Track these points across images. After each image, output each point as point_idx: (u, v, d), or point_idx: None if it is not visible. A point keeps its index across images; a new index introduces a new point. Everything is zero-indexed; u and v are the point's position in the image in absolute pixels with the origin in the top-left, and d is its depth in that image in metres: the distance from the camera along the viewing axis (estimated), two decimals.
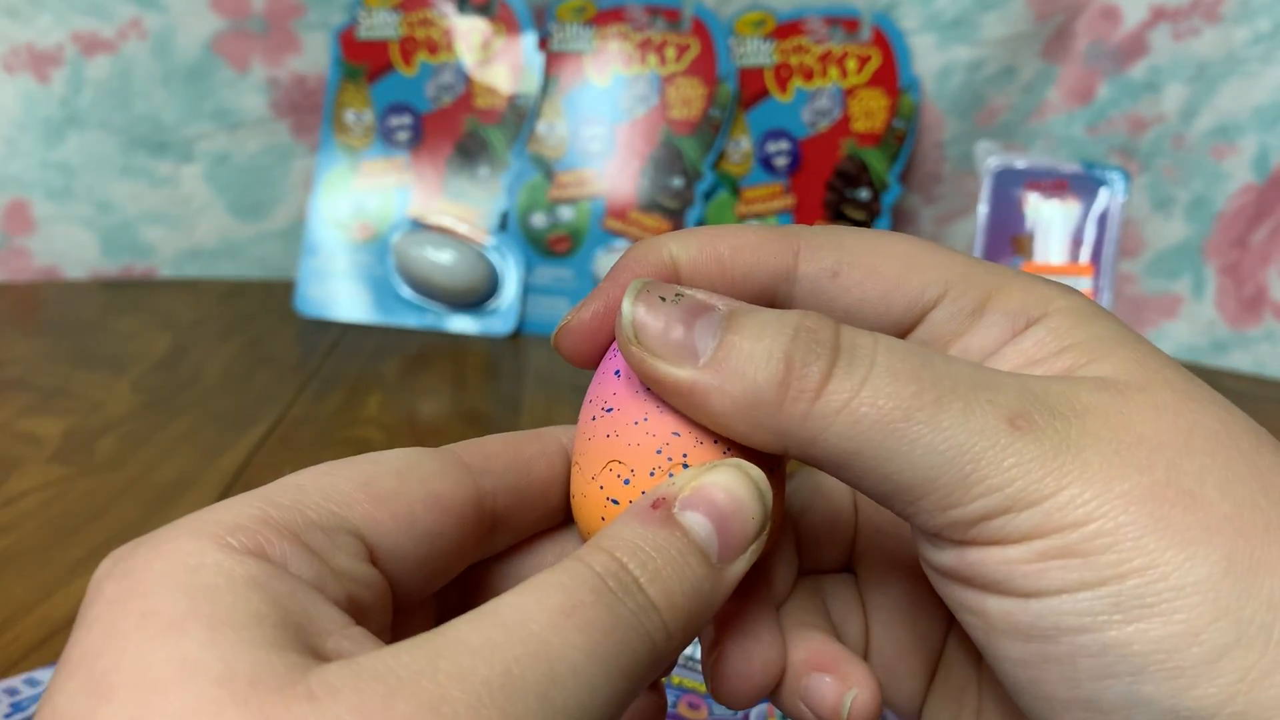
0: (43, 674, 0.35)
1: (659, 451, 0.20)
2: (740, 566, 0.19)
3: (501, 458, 0.21)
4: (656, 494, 0.19)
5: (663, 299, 0.19)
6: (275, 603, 0.16)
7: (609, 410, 0.21)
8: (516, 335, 0.74)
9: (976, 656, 0.23)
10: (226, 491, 0.49)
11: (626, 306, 0.19)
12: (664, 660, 0.18)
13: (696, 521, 0.19)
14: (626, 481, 0.20)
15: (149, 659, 0.15)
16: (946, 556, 0.19)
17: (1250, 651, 0.16)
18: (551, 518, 0.23)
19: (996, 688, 0.22)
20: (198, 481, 0.50)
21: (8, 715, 0.33)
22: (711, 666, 0.22)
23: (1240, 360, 0.75)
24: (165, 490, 0.48)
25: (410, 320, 0.75)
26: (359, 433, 0.57)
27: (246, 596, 0.16)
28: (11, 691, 0.34)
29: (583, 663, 0.16)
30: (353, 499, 0.18)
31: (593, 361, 0.22)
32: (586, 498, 0.21)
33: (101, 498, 0.48)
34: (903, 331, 0.21)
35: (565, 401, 0.62)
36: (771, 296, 0.22)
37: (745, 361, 0.18)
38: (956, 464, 0.18)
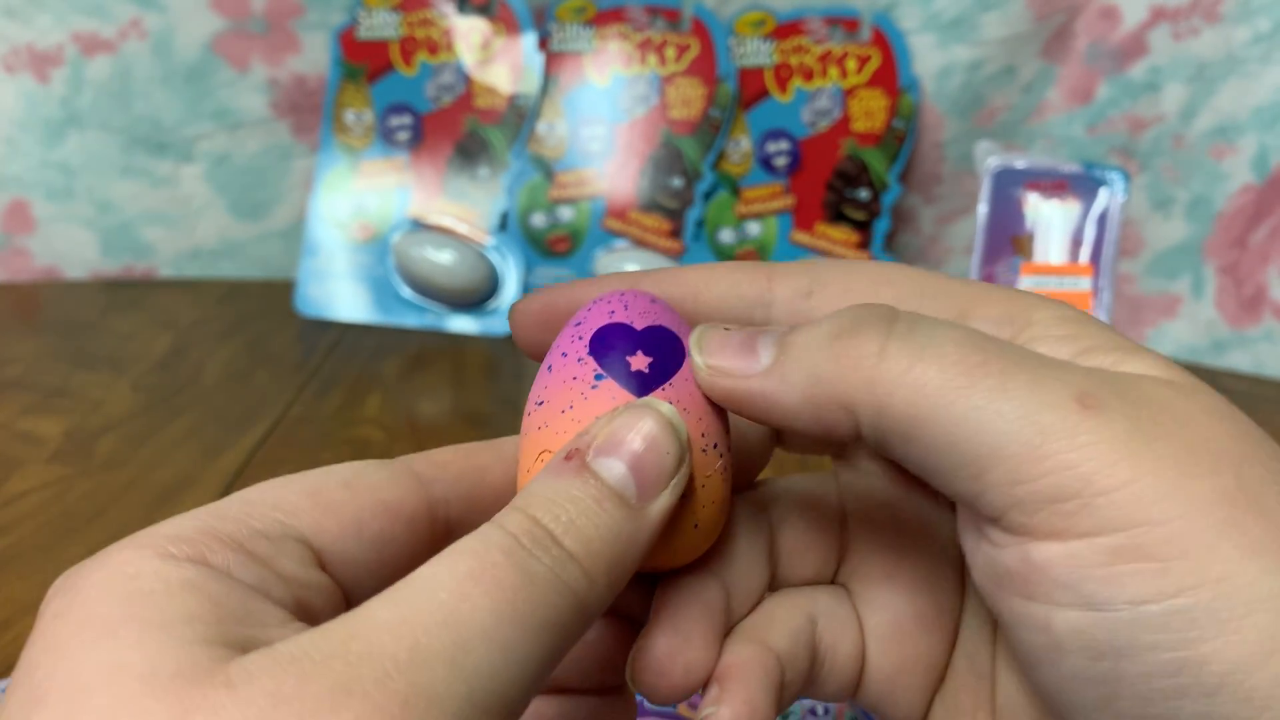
0: None
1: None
2: (663, 503, 0.19)
3: (453, 466, 0.22)
4: (570, 446, 0.19)
5: (726, 329, 0.20)
6: (211, 603, 0.16)
7: (540, 404, 0.21)
8: None
9: (990, 678, 0.23)
10: (227, 491, 0.49)
11: (694, 343, 0.21)
12: (590, 609, 0.18)
13: (608, 465, 0.19)
14: None
15: (81, 664, 0.15)
16: (1009, 556, 0.18)
17: None
18: None
19: (1016, 712, 0.22)
20: (198, 481, 0.50)
21: None
22: (634, 657, 0.21)
23: (1240, 360, 0.75)
24: (165, 490, 0.49)
25: (410, 320, 0.75)
26: (359, 433, 0.57)
27: (181, 598, 0.16)
28: None
29: (492, 624, 0.16)
30: (300, 508, 0.19)
31: (533, 347, 0.23)
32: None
33: (101, 498, 0.48)
34: None
35: None
36: (747, 322, 0.22)
37: (802, 350, 0.19)
38: (1025, 433, 0.17)
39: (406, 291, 0.75)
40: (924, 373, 0.18)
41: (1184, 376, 0.19)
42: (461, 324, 0.74)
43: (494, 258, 0.75)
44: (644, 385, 0.20)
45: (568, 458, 0.19)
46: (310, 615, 0.18)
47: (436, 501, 0.21)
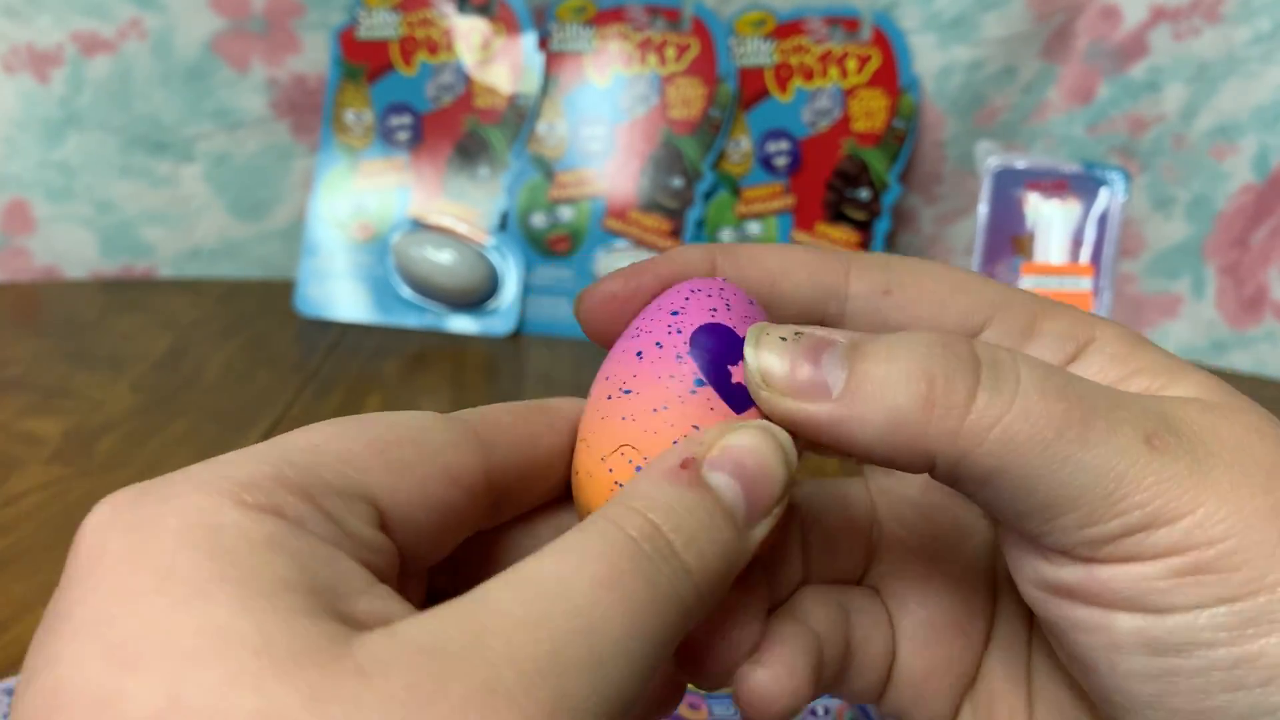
0: None
1: (676, 444, 0.19)
2: (762, 530, 0.19)
3: (511, 431, 0.21)
4: (683, 452, 0.19)
5: (783, 339, 0.19)
6: (299, 565, 0.15)
7: (626, 391, 0.20)
8: (516, 335, 0.74)
9: (1025, 682, 0.23)
10: None
11: (750, 353, 0.19)
12: (692, 622, 0.18)
13: (724, 483, 0.18)
14: (639, 469, 0.20)
15: (177, 627, 0.14)
16: (1069, 574, 0.19)
17: None
18: (554, 490, 0.22)
19: (1056, 717, 0.22)
20: None
21: (7, 715, 0.33)
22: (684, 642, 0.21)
23: (1240, 360, 0.75)
24: None
25: (410, 320, 0.75)
26: None
27: (271, 559, 0.15)
28: (11, 692, 0.34)
29: (624, 636, 0.16)
30: (369, 464, 0.18)
31: (606, 336, 0.22)
32: (592, 477, 0.20)
33: (101, 498, 0.48)
34: None
35: None
36: (821, 315, 0.22)
37: (883, 385, 0.18)
38: (1102, 481, 0.18)
39: (406, 291, 0.75)
40: (1011, 425, 0.18)
41: (1227, 396, 0.20)
42: (461, 324, 0.74)
43: (494, 258, 0.75)
44: (743, 400, 0.20)
45: (683, 465, 0.18)
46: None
47: (494, 468, 0.20)
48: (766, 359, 0.19)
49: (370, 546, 0.17)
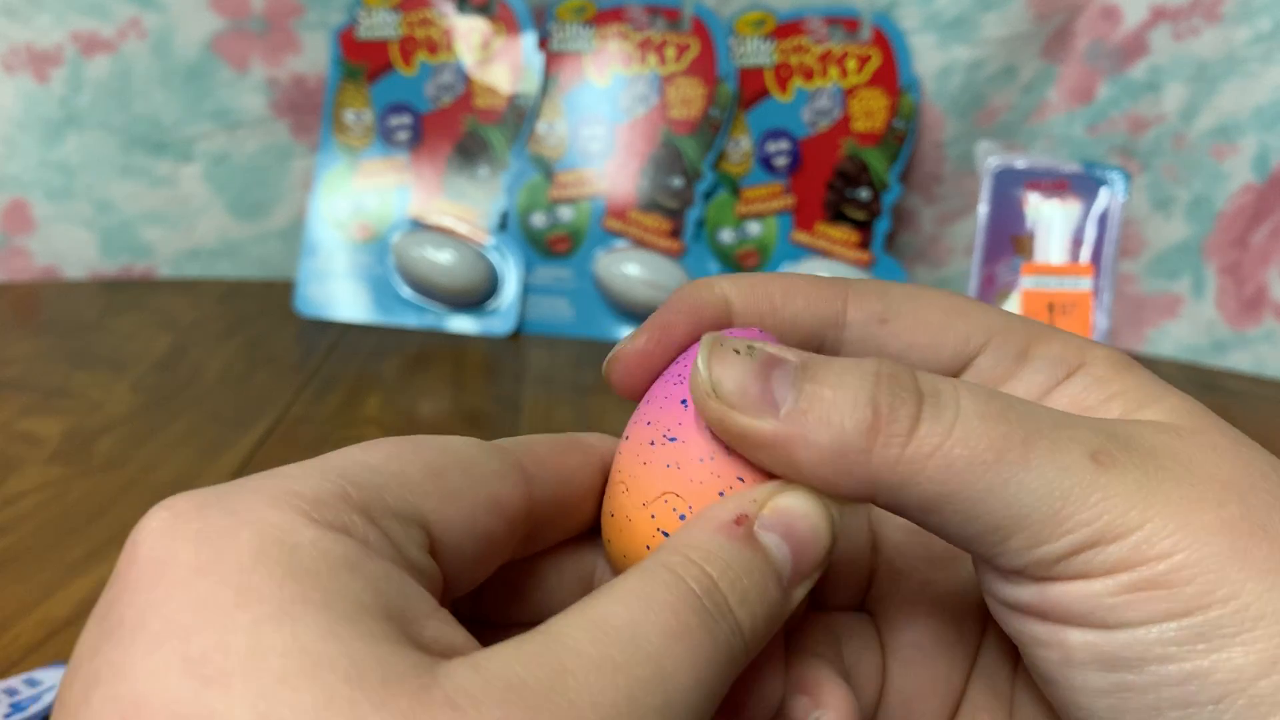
0: (42, 674, 0.35)
1: (721, 494, 0.20)
2: (802, 592, 0.19)
3: (549, 464, 0.21)
4: (736, 508, 0.19)
5: (736, 352, 0.19)
6: (373, 588, 0.15)
7: (672, 439, 0.20)
8: (516, 335, 0.74)
9: (1009, 700, 0.23)
10: None
11: (701, 362, 0.19)
12: (739, 671, 0.18)
13: (775, 543, 0.19)
14: (683, 517, 0.20)
15: (263, 646, 0.14)
16: (1024, 592, 0.19)
17: None
18: (579, 528, 0.23)
19: None
20: (197, 482, 0.49)
21: (8, 715, 0.33)
22: None
23: (1240, 360, 0.75)
24: (165, 490, 0.48)
25: (410, 320, 0.75)
26: (359, 432, 0.57)
27: (348, 582, 0.15)
28: (11, 691, 0.34)
29: (690, 689, 0.16)
30: (425, 489, 0.18)
31: (642, 392, 0.22)
32: (632, 522, 0.21)
33: (101, 498, 0.47)
34: (951, 376, 0.21)
35: (565, 401, 0.62)
36: (819, 342, 0.22)
37: (830, 410, 0.18)
38: (1047, 501, 0.18)
39: (406, 291, 0.75)
40: (951, 451, 0.18)
41: (1196, 419, 0.20)
42: (461, 324, 0.74)
43: (494, 258, 0.75)
44: None
45: (737, 521, 0.19)
46: None
47: (534, 501, 0.20)
48: (718, 370, 0.19)
49: (423, 571, 0.17)
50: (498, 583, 0.22)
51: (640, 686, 0.15)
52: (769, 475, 0.20)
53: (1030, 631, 0.19)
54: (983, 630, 0.24)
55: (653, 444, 0.20)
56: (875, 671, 0.24)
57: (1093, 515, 0.18)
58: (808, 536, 0.19)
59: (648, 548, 0.20)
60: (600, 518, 0.22)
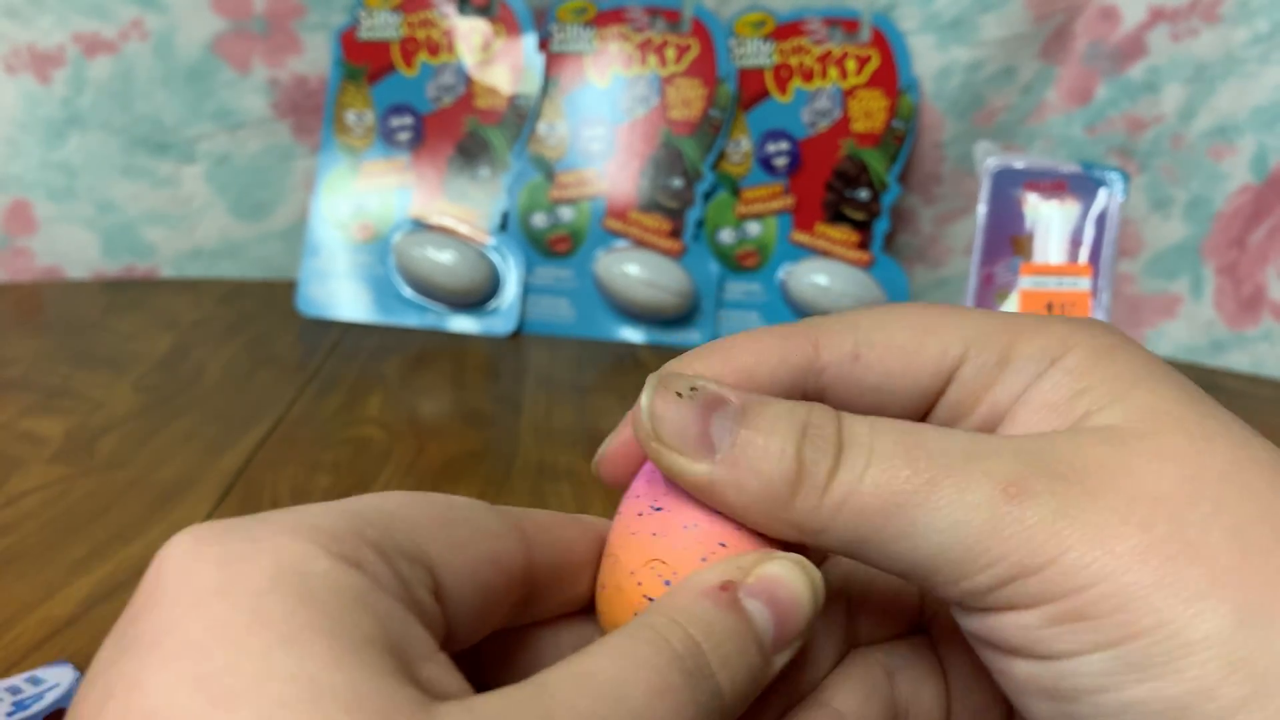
0: (45, 672, 0.35)
1: (704, 560, 0.20)
2: (783, 659, 0.20)
3: (549, 532, 0.22)
4: (723, 574, 0.19)
5: (679, 394, 0.20)
6: (379, 622, 0.16)
7: (658, 509, 0.21)
8: (517, 335, 0.75)
9: None
10: (228, 491, 0.49)
11: (645, 401, 0.20)
12: None
13: (758, 610, 0.19)
14: (668, 583, 0.20)
15: (271, 671, 0.14)
16: (972, 622, 0.19)
17: (1269, 704, 0.16)
18: (575, 602, 0.23)
19: None
20: (199, 481, 0.50)
21: (10, 714, 0.33)
22: None
23: (1239, 360, 0.75)
24: (166, 490, 0.49)
25: (411, 320, 0.75)
26: (360, 432, 0.57)
27: (357, 614, 0.15)
28: (14, 690, 0.34)
29: None
30: (433, 535, 0.19)
31: (627, 480, 0.23)
32: (621, 591, 0.21)
33: (103, 497, 0.48)
34: (934, 396, 0.22)
35: (565, 402, 0.63)
36: (801, 390, 0.22)
37: (760, 458, 0.19)
38: (959, 540, 0.18)
39: (407, 291, 0.75)
40: (860, 499, 0.19)
41: (1154, 419, 0.19)
42: (462, 324, 0.75)
43: (494, 258, 0.75)
44: None
45: (723, 587, 0.19)
46: None
47: (533, 564, 0.21)
48: (660, 410, 0.20)
49: (427, 613, 0.18)
50: (496, 651, 0.22)
51: None
52: (750, 540, 0.20)
53: (988, 659, 0.20)
54: None
55: (640, 515, 0.21)
56: (938, 695, 0.24)
57: (1008, 549, 0.18)
58: (790, 605, 0.19)
59: (635, 614, 0.20)
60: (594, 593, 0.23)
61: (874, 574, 0.25)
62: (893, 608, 0.25)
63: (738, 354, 0.22)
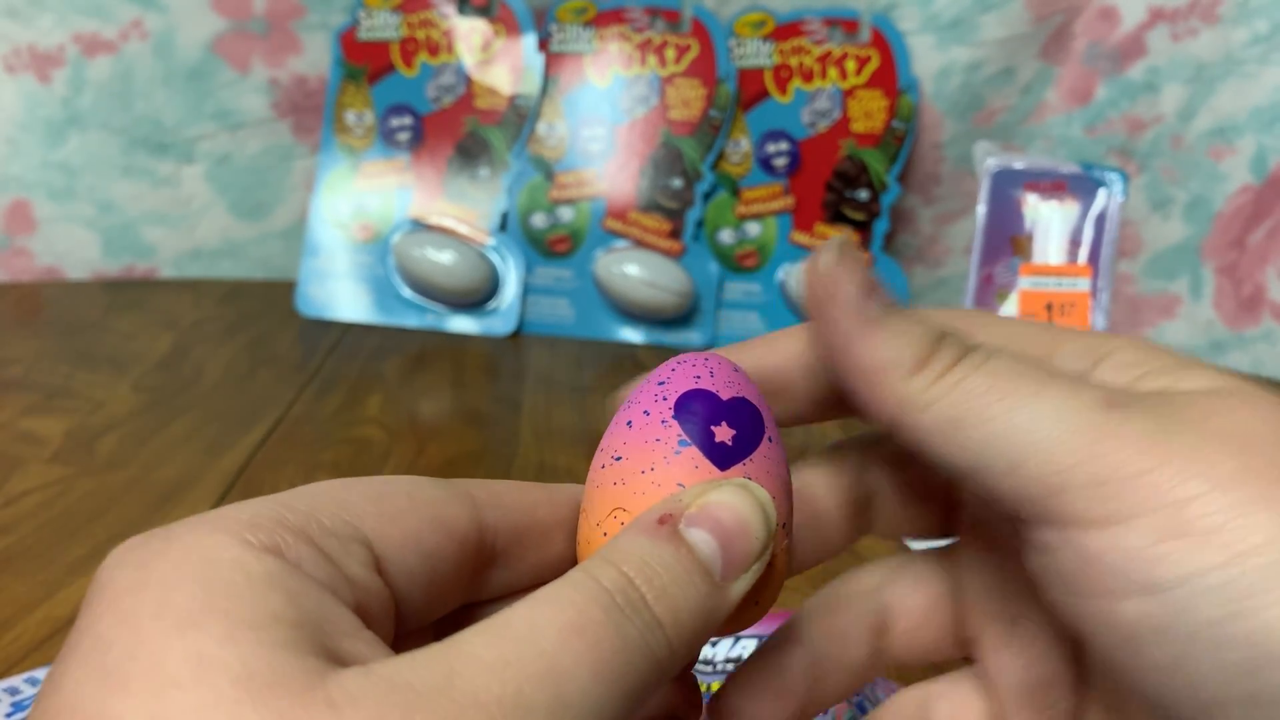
0: (44, 673, 0.35)
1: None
2: (742, 586, 0.19)
3: (507, 497, 0.22)
4: (663, 509, 0.19)
5: (854, 265, 0.21)
6: (292, 602, 0.16)
7: (617, 459, 0.21)
8: (516, 335, 0.75)
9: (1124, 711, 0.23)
10: (228, 491, 0.49)
11: (833, 253, 0.21)
12: (666, 676, 0.18)
13: (701, 539, 0.19)
14: None
15: (164, 652, 0.15)
16: (1064, 558, 0.19)
17: None
18: (553, 567, 0.23)
19: None
20: (199, 481, 0.50)
21: (9, 714, 0.33)
22: (708, 712, 0.22)
23: (1238, 360, 0.75)
24: (166, 490, 0.49)
25: (411, 320, 0.75)
26: (360, 432, 0.57)
27: (264, 594, 0.16)
28: (13, 691, 0.34)
29: (590, 683, 0.16)
30: (364, 511, 0.19)
31: None
32: (589, 544, 0.21)
33: (102, 497, 0.48)
34: None
35: (565, 402, 0.63)
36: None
37: (900, 333, 0.20)
38: (1057, 428, 0.18)
39: (407, 292, 0.75)
40: (972, 379, 0.19)
41: (1230, 383, 0.20)
42: (462, 324, 0.75)
43: (494, 258, 0.75)
44: (726, 458, 0.21)
45: (660, 521, 0.19)
46: (369, 620, 0.18)
47: (486, 528, 0.21)
48: (846, 269, 0.21)
49: (366, 588, 0.18)
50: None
51: (529, 682, 0.15)
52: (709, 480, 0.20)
53: (1087, 613, 0.19)
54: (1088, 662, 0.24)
55: (603, 467, 0.21)
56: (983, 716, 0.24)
57: (1105, 448, 0.18)
58: (736, 528, 0.19)
59: None
60: None
61: (909, 583, 0.24)
62: (929, 625, 0.24)
63: (782, 342, 0.23)
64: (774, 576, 0.21)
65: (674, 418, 0.21)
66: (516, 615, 0.17)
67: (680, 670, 0.19)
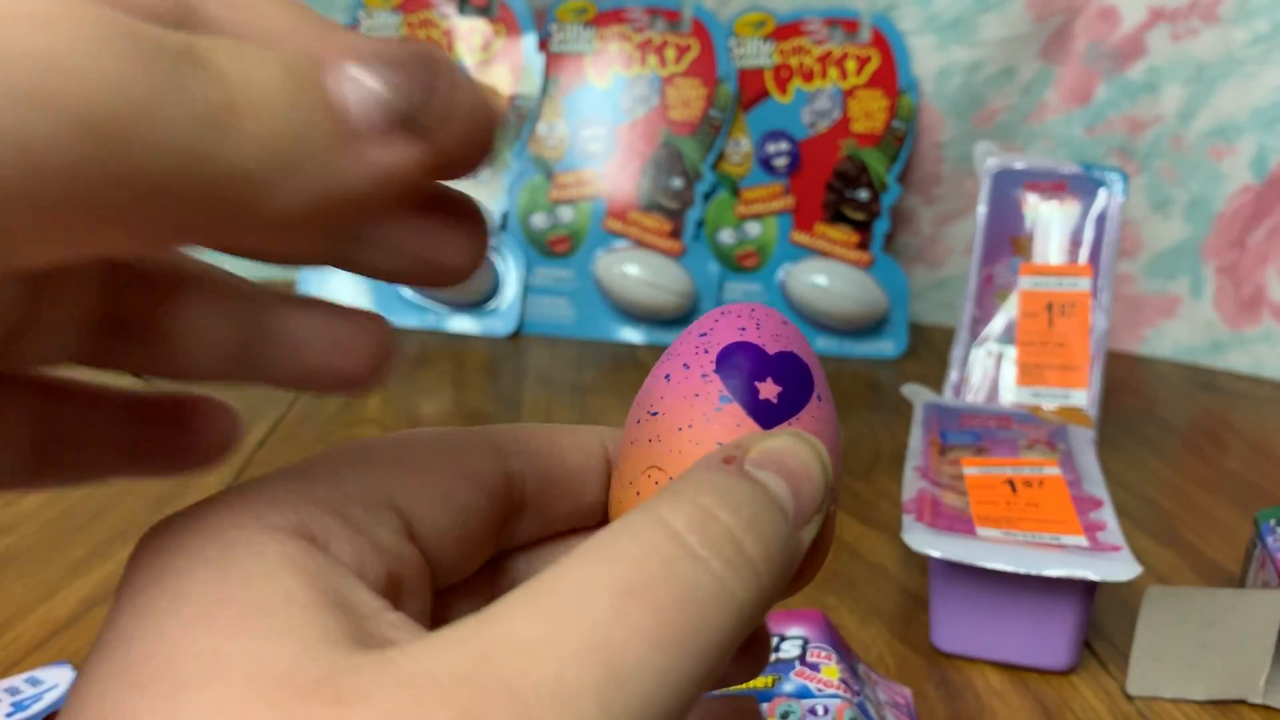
0: (44, 673, 0.35)
1: None
2: (809, 534, 0.18)
3: (534, 442, 0.21)
4: (724, 453, 0.18)
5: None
6: (312, 585, 0.15)
7: (654, 414, 0.20)
8: (516, 335, 0.75)
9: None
10: None
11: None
12: (752, 624, 0.16)
13: (771, 479, 0.17)
14: None
15: (179, 650, 0.14)
16: None
17: None
18: (585, 514, 0.22)
19: None
20: (199, 481, 0.50)
21: (9, 714, 0.33)
22: None
23: (1238, 360, 0.75)
24: (166, 490, 0.49)
25: (411, 320, 0.75)
26: (360, 432, 0.57)
27: (281, 578, 0.15)
28: (13, 691, 0.34)
29: (649, 651, 0.14)
30: (391, 472, 0.18)
31: None
32: (621, 504, 0.20)
33: (102, 498, 0.48)
34: None
35: (565, 402, 0.63)
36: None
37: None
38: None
39: (407, 291, 0.75)
40: None
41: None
42: (462, 324, 0.75)
43: (494, 258, 0.75)
44: (771, 417, 0.19)
45: (726, 460, 0.17)
46: (402, 590, 0.17)
47: (514, 474, 0.20)
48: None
49: (398, 556, 0.17)
50: (510, 577, 0.21)
51: (573, 660, 0.14)
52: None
53: None
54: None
55: (638, 422, 0.20)
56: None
57: None
58: (802, 474, 0.17)
59: None
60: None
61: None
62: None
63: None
64: (823, 540, 0.19)
65: (715, 372, 0.19)
66: (563, 578, 0.14)
67: (768, 611, 0.16)
